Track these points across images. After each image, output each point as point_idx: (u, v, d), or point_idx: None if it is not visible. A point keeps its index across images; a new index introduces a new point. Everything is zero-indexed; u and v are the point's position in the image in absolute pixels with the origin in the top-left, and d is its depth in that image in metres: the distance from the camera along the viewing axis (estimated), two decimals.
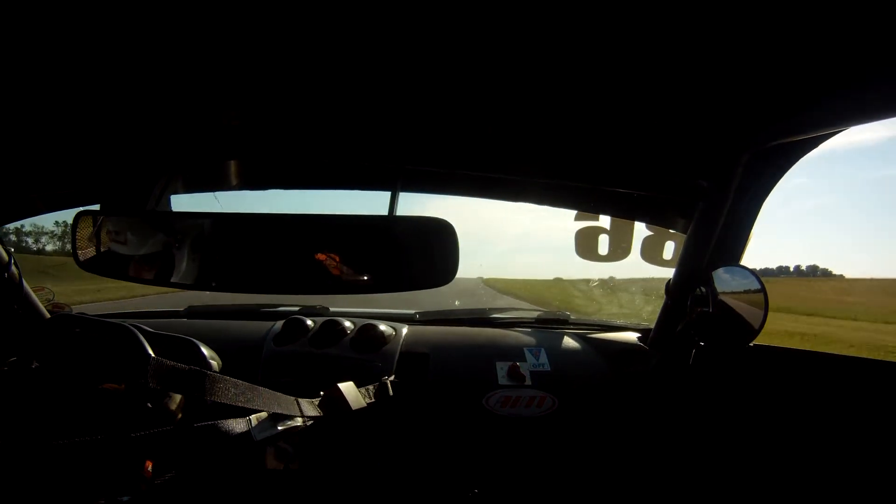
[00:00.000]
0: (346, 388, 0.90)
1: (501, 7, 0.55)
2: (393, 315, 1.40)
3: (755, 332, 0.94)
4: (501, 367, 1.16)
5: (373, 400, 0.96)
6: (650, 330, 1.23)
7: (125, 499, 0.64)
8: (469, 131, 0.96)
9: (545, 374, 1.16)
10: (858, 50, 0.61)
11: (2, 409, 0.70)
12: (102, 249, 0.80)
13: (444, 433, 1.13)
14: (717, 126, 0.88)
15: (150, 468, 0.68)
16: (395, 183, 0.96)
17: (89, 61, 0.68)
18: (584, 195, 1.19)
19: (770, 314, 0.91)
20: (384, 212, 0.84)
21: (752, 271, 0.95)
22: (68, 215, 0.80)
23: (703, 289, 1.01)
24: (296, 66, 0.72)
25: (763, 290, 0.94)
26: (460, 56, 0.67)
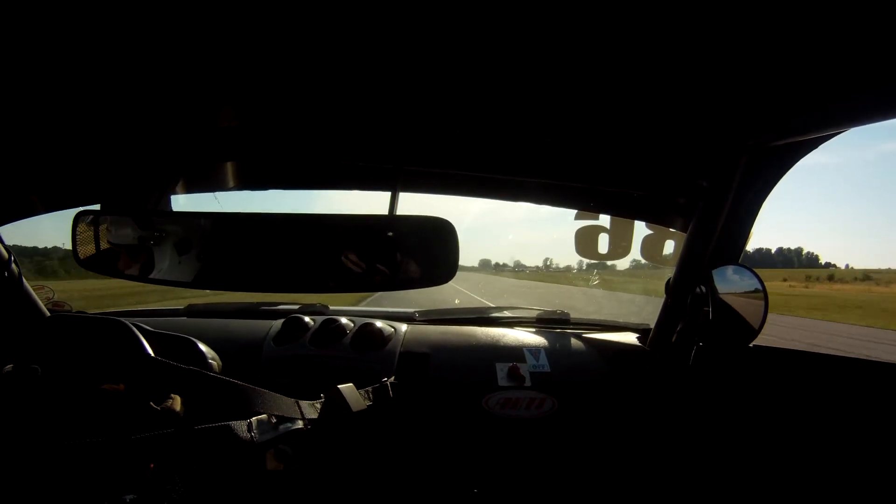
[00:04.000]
0: (347, 390, 0.90)
1: (501, 7, 0.55)
2: (392, 314, 1.40)
3: (755, 333, 0.94)
4: (501, 369, 1.16)
5: (372, 402, 0.96)
6: (650, 330, 1.23)
7: (128, 498, 0.64)
8: (469, 132, 0.96)
9: (545, 375, 1.16)
10: (858, 52, 0.61)
11: (3, 410, 0.70)
12: (102, 248, 0.80)
13: (444, 434, 1.13)
14: (717, 126, 0.88)
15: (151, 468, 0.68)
16: (395, 183, 0.96)
17: (90, 61, 0.68)
18: (584, 195, 1.19)
19: None
20: (384, 212, 0.84)
21: (753, 271, 0.95)
22: (68, 215, 0.80)
23: (703, 288, 1.01)
24: (296, 66, 0.72)
25: (763, 289, 0.94)
26: (460, 57, 0.67)
